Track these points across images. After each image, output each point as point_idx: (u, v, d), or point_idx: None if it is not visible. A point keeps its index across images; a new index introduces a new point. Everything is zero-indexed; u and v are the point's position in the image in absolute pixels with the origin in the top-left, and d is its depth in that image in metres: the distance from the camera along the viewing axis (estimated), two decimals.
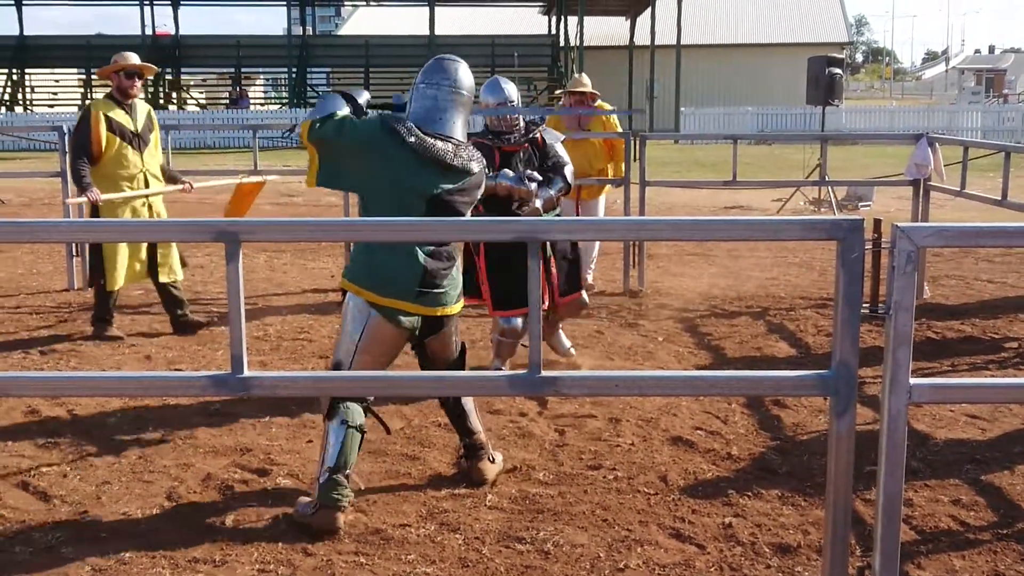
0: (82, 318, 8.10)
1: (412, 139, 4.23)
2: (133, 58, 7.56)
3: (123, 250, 7.42)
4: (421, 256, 4.28)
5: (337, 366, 4.44)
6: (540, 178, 6.10)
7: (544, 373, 2.68)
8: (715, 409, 5.77)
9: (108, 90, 7.62)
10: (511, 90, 6.40)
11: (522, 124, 6.34)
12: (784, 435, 5.42)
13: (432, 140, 4.29)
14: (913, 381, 2.66)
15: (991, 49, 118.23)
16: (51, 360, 6.91)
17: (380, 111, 4.44)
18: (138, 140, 7.48)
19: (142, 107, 7.64)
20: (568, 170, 6.34)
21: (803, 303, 8.73)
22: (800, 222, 2.63)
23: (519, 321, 6.30)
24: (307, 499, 4.37)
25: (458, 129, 4.42)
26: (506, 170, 6.04)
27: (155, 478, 4.83)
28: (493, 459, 4.83)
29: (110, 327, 7.50)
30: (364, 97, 4.56)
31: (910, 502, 4.46)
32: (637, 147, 9.57)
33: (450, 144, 4.35)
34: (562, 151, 6.41)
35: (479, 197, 4.58)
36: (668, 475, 4.83)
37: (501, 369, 6.49)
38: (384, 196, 4.23)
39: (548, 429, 5.49)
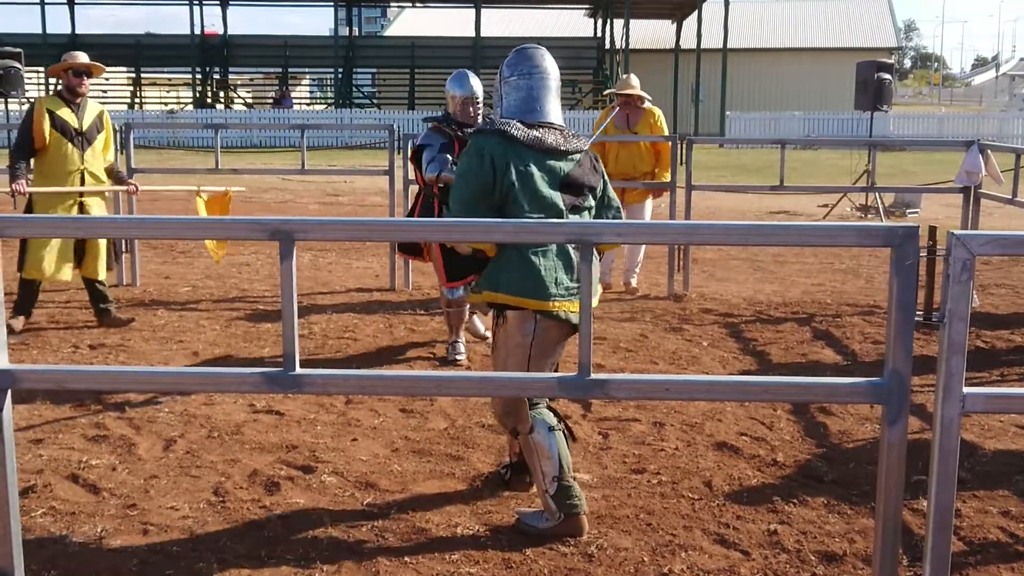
0: (131, 313, 8.20)
1: (525, 137, 4.18)
2: (81, 57, 7.75)
3: (53, 244, 7.55)
4: (572, 251, 4.17)
5: None
6: None
7: (594, 376, 2.68)
8: (760, 415, 5.73)
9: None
10: (477, 85, 6.83)
11: (480, 119, 6.75)
12: (830, 442, 5.38)
13: (539, 131, 4.24)
14: (966, 390, 2.63)
15: None
16: (100, 355, 7.00)
17: (474, 132, 4.37)
18: (81, 139, 7.66)
19: (93, 107, 7.83)
20: None
21: (849, 310, 8.66)
22: (855, 228, 2.62)
23: (461, 291, 6.75)
24: (529, 510, 4.37)
25: (556, 114, 4.37)
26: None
27: (202, 473, 4.88)
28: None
29: (20, 319, 7.64)
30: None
31: (958, 512, 4.40)
32: (684, 151, 9.54)
33: (554, 130, 4.29)
34: None
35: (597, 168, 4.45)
36: (712, 480, 4.81)
37: (457, 343, 6.95)
38: (522, 196, 4.13)
39: (592, 432, 5.48)
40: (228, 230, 2.82)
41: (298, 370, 2.73)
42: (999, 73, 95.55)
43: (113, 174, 8.03)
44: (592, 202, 4.31)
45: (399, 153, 9.65)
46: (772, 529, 4.29)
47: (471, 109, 6.79)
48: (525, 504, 4.52)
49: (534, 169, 4.15)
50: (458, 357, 6.93)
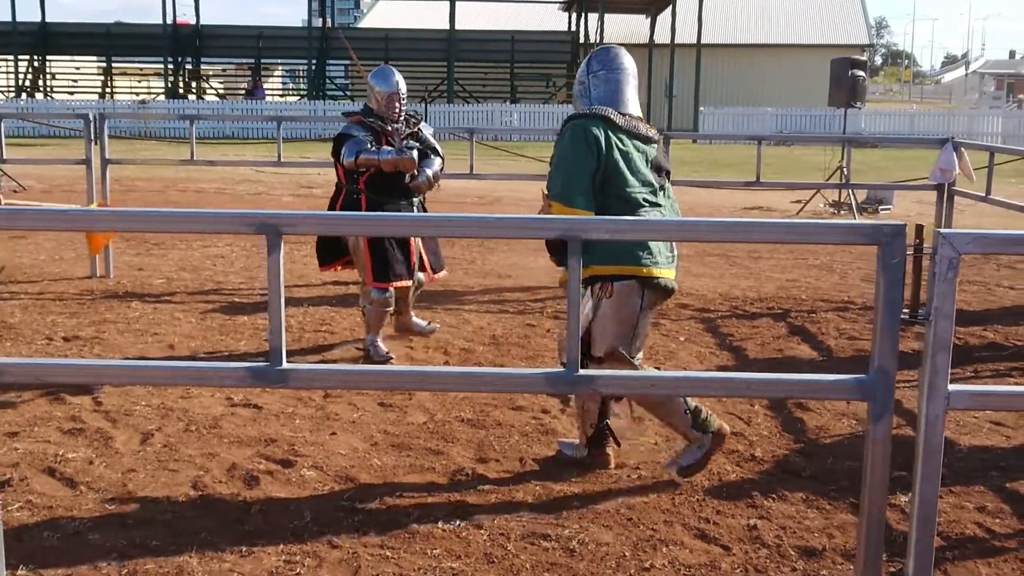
0: (105, 305, 8.15)
1: (623, 122, 4.63)
2: None
3: None
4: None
5: (611, 354, 4.58)
6: (417, 145, 6.74)
7: (582, 372, 2.68)
8: (738, 410, 5.76)
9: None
10: (402, 82, 6.84)
11: (403, 114, 6.83)
12: (807, 438, 5.41)
13: (629, 119, 4.69)
14: (951, 387, 2.65)
15: (1011, 54, 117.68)
16: (75, 347, 6.94)
17: (570, 119, 4.70)
18: None
19: None
20: (441, 152, 6.99)
21: (824, 305, 8.71)
22: (842, 226, 2.63)
23: (391, 293, 6.74)
24: (680, 452, 4.77)
25: (636, 107, 4.81)
26: (384, 147, 6.61)
27: (180, 467, 4.85)
28: (619, 443, 5.01)
29: None
30: None
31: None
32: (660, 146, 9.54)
33: (636, 119, 4.73)
34: (434, 140, 7.02)
35: None
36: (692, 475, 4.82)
37: (376, 343, 6.82)
38: (627, 172, 4.55)
39: (571, 426, 5.48)
40: (214, 223, 2.80)
41: (285, 364, 2.71)
42: (968, 71, 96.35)
43: None
44: (668, 183, 4.79)
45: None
46: (752, 524, 4.31)
47: (396, 105, 6.75)
48: (507, 499, 4.52)
49: (632, 150, 4.61)
50: (385, 355, 6.76)
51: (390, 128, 6.72)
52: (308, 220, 2.63)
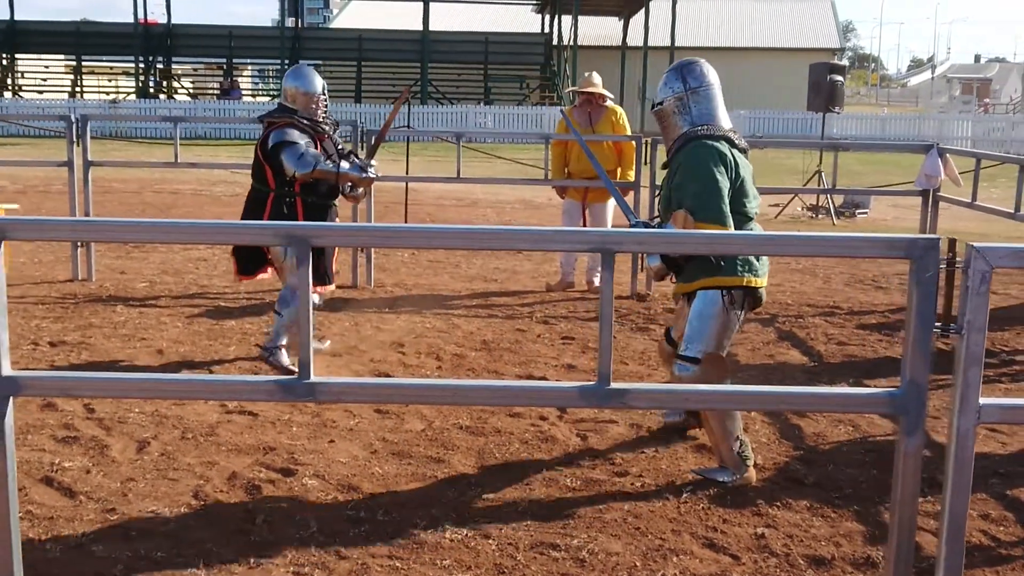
0: (89, 309, 8.06)
1: (740, 142, 4.90)
2: None
3: None
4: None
5: (710, 356, 4.81)
6: (374, 163, 6.75)
7: (614, 385, 2.67)
8: None
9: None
10: (323, 82, 6.63)
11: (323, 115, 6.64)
12: (806, 445, 5.42)
13: (737, 135, 4.94)
14: (982, 401, 2.65)
15: (977, 58, 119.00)
16: (62, 352, 6.85)
17: (697, 139, 4.82)
18: None
19: None
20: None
21: (810, 311, 8.75)
22: (878, 240, 2.62)
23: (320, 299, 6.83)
24: (712, 467, 4.92)
25: (728, 121, 4.99)
26: (343, 162, 6.50)
27: (180, 476, 4.79)
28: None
29: None
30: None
31: (939, 516, 4.45)
32: (648, 150, 9.56)
33: (738, 134, 4.96)
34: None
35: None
36: (696, 483, 4.82)
37: (282, 351, 6.46)
38: (749, 189, 4.84)
39: (570, 434, 5.47)
40: (242, 235, 2.76)
41: (313, 378, 2.68)
42: (935, 75, 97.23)
43: None
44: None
45: (362, 148, 9.54)
46: (759, 533, 4.31)
47: (322, 106, 6.55)
48: (512, 508, 4.49)
49: (747, 166, 4.89)
50: (286, 366, 6.42)
51: (320, 131, 6.53)
52: (338, 231, 2.60)
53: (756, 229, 4.80)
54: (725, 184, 4.67)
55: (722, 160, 4.70)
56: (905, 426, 2.68)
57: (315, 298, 6.69)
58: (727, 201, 4.66)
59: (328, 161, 6.45)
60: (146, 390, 3.06)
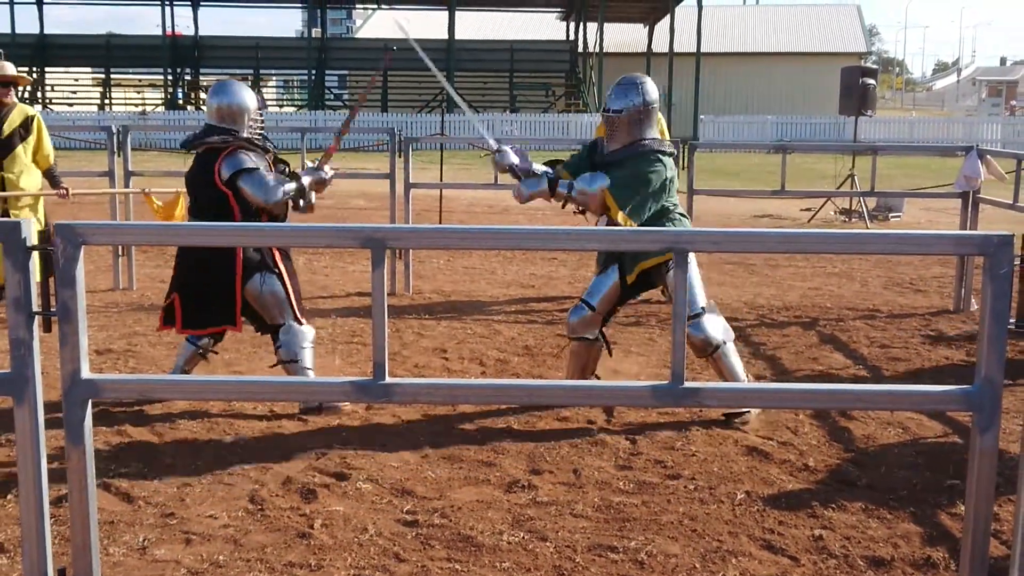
0: (133, 317, 8.12)
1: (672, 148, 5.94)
2: (8, 68, 7.97)
3: None
4: None
5: None
6: (328, 171, 6.15)
7: (687, 384, 2.67)
8: (783, 419, 5.74)
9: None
10: (259, 97, 6.07)
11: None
12: (856, 447, 5.40)
13: None
14: None
15: (1002, 61, 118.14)
16: (109, 360, 6.91)
17: (654, 152, 5.78)
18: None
19: (19, 114, 8.05)
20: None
21: (851, 314, 8.72)
22: (951, 237, 2.63)
23: (206, 340, 6.06)
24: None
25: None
26: (299, 171, 6.03)
27: (235, 480, 4.82)
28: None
29: None
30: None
31: (996, 517, 4.43)
32: (686, 156, 9.56)
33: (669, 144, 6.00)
34: None
35: None
36: (749, 485, 4.81)
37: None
38: (672, 189, 5.83)
39: (619, 437, 5.47)
40: (320, 237, 2.79)
41: (387, 379, 2.70)
42: (961, 78, 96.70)
43: (50, 176, 8.35)
44: None
45: (400, 156, 9.60)
46: (817, 535, 4.30)
47: (256, 123, 5.90)
48: (566, 510, 4.50)
49: (674, 168, 6.01)
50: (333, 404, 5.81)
51: (268, 148, 5.97)
52: (413, 234, 2.62)
53: (684, 222, 5.94)
54: (660, 193, 5.70)
55: (666, 171, 5.71)
56: (980, 423, 2.68)
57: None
58: (655, 204, 5.70)
59: (289, 181, 5.88)
60: (223, 391, 3.09)
